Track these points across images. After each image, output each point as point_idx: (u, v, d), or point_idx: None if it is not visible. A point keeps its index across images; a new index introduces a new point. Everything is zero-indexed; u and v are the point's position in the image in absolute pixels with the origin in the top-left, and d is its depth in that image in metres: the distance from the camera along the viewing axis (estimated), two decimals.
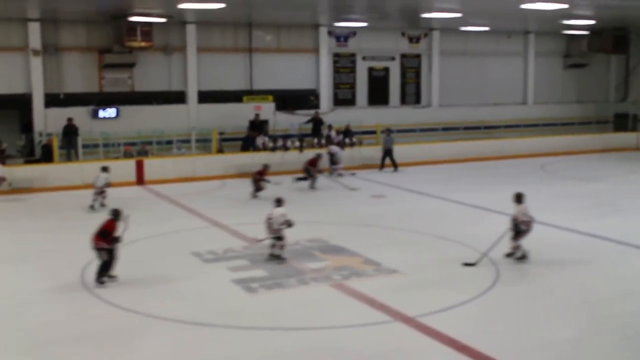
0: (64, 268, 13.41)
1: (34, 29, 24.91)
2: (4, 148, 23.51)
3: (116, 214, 12.44)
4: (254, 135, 26.51)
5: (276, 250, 13.64)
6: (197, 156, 25.55)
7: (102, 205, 18.80)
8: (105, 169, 19.53)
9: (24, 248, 15.30)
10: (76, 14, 24.88)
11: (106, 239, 12.06)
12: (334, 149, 25.18)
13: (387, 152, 26.35)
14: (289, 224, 13.58)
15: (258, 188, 20.63)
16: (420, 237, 15.80)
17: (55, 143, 23.88)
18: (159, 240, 15.83)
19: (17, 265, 13.82)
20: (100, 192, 19.17)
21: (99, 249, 12.07)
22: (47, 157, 23.80)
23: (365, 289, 11.85)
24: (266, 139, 26.49)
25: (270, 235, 13.63)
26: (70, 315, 10.97)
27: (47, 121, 25.05)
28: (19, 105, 25.54)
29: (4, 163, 22.86)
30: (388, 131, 26.62)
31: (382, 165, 26.39)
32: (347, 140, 27.23)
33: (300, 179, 22.52)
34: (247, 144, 26.44)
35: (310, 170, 22.43)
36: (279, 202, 13.85)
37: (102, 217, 12.80)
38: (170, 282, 12.63)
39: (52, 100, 25.50)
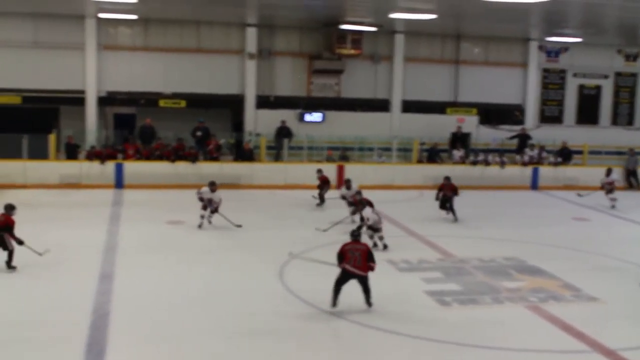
0: (262, 262, 14.03)
1: (252, 34, 26.22)
2: (221, 144, 24.87)
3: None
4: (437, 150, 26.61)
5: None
6: (396, 165, 25.76)
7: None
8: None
9: (226, 241, 16.13)
10: (291, 20, 25.93)
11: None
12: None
13: (631, 173, 26.62)
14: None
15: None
16: (623, 265, 14.98)
17: (264, 143, 25.00)
18: None
19: (221, 255, 14.60)
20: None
21: None
22: (245, 156, 24.79)
23: (563, 315, 11.41)
24: (462, 152, 26.24)
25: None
26: (264, 309, 11.37)
27: (257, 122, 26.28)
28: (232, 105, 26.98)
29: (217, 159, 24.19)
30: (632, 151, 26.79)
31: (630, 185, 26.58)
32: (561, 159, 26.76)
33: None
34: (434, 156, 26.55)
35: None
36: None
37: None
38: None
39: (263, 102, 26.73)
